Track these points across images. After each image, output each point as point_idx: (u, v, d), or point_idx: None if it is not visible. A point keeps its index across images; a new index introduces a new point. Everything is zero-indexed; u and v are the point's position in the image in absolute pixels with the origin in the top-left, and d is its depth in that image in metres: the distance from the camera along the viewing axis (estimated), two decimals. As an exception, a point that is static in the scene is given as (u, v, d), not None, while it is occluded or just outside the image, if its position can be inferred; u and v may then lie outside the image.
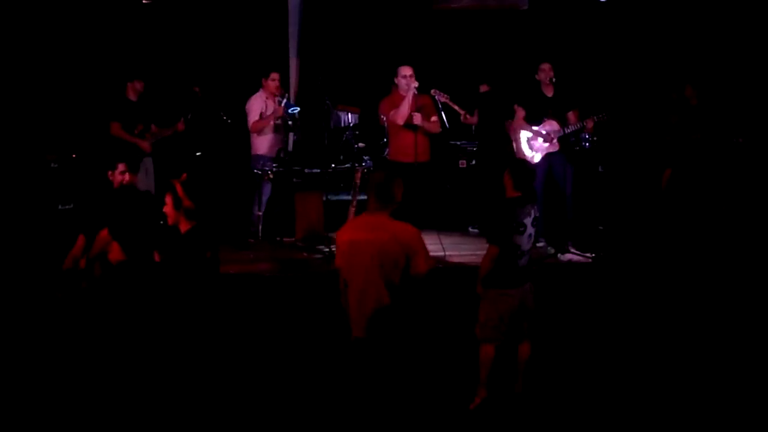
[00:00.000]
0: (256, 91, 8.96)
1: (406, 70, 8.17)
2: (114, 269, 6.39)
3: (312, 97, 10.11)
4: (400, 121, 8.10)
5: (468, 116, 9.55)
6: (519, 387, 5.78)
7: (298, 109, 8.97)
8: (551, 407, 5.66)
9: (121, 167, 6.88)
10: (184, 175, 5.88)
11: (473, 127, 9.81)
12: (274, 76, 8.83)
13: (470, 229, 9.52)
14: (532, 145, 8.56)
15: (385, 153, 8.83)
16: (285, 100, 8.79)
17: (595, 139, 8.82)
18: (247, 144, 9.00)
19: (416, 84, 8.06)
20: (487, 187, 9.42)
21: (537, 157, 8.48)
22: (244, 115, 8.89)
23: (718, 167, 8.91)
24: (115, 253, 6.45)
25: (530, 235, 5.75)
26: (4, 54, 9.24)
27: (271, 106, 8.79)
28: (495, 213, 5.78)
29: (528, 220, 5.70)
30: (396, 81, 8.32)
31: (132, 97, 8.65)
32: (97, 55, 9.74)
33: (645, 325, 6.86)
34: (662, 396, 5.81)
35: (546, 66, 8.51)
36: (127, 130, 8.55)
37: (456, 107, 9.44)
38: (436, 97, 8.50)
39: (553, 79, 8.47)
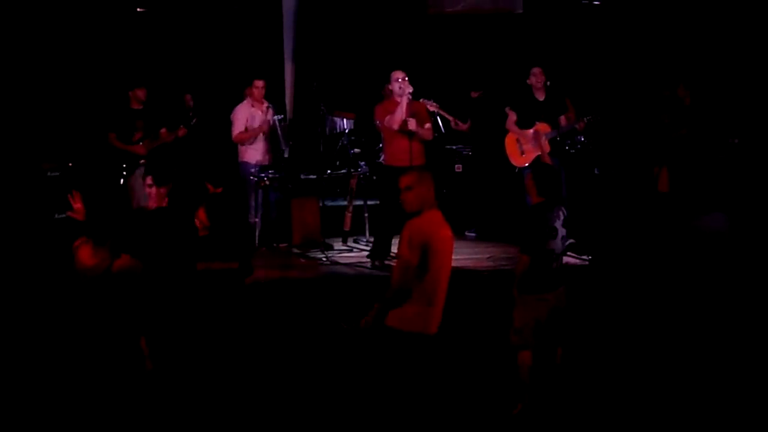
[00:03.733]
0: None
1: (399, 74, 8.18)
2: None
3: (307, 103, 10.13)
4: (395, 126, 8.11)
5: (459, 123, 9.59)
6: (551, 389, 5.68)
7: (281, 116, 9.02)
8: (559, 410, 5.65)
9: (148, 180, 6.16)
10: (220, 189, 5.90)
11: (469, 128, 9.81)
12: (257, 83, 8.85)
13: (467, 234, 9.51)
14: (524, 147, 8.60)
15: (381, 158, 8.84)
16: (271, 110, 8.87)
17: (584, 140, 8.85)
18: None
19: (411, 89, 8.06)
20: (482, 192, 9.45)
21: (528, 160, 8.54)
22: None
23: (710, 166, 8.91)
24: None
25: (563, 237, 5.70)
26: (2, 63, 9.25)
27: (257, 115, 8.81)
28: (524, 221, 5.70)
29: (558, 223, 5.64)
30: (389, 86, 8.34)
31: (134, 105, 8.63)
32: (95, 64, 9.76)
33: (642, 327, 6.86)
34: (661, 397, 5.81)
35: (537, 70, 8.58)
36: (124, 139, 8.53)
37: (446, 115, 9.48)
38: (427, 106, 8.56)
39: (548, 83, 8.54)
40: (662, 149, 9.18)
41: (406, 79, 8.12)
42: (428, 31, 10.90)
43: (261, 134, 8.83)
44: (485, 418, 5.51)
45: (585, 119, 8.39)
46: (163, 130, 8.66)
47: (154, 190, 6.02)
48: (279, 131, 8.86)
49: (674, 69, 9.72)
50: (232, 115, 8.88)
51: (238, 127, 8.83)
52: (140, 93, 8.57)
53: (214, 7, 10.48)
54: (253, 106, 8.87)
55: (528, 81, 8.61)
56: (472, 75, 10.14)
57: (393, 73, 8.26)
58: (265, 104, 8.94)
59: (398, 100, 8.12)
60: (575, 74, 9.82)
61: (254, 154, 8.84)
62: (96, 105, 9.28)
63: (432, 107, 8.77)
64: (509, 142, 8.69)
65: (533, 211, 5.70)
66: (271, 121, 8.86)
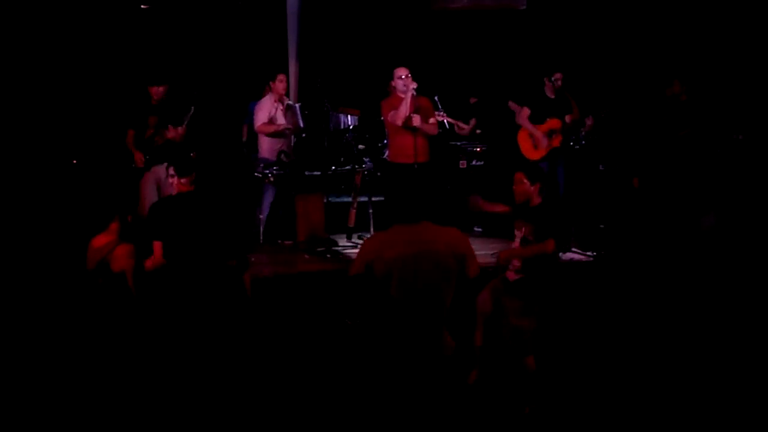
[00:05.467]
0: (256, 94, 8.98)
1: (402, 71, 8.18)
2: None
3: (312, 100, 10.13)
4: (399, 122, 8.11)
5: (462, 125, 9.64)
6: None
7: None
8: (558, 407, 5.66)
9: (170, 171, 6.17)
10: None
11: (470, 131, 9.82)
12: (281, 77, 8.84)
13: (475, 229, 9.52)
14: (537, 142, 8.68)
15: (385, 154, 8.84)
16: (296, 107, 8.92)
17: (592, 136, 8.87)
18: (247, 147, 9.01)
19: (415, 85, 8.06)
20: (495, 188, 9.44)
21: (541, 154, 8.62)
22: (242, 120, 8.90)
23: (712, 164, 8.89)
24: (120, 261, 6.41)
25: None
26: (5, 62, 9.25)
27: (279, 110, 8.81)
28: (559, 218, 5.72)
29: None
30: (393, 83, 8.34)
31: (153, 101, 8.52)
32: (95, 61, 9.74)
33: (647, 323, 6.85)
34: (664, 395, 5.80)
35: (559, 75, 8.69)
36: (139, 137, 8.37)
37: (452, 121, 9.53)
38: (435, 115, 8.63)
39: (559, 83, 8.65)
40: (663, 148, 9.17)
41: (410, 75, 8.12)
42: (432, 27, 10.89)
43: (283, 132, 8.84)
44: (495, 417, 5.50)
45: (593, 118, 8.47)
46: (157, 137, 8.51)
47: (175, 180, 6.02)
48: (298, 112, 8.93)
49: (675, 64, 9.70)
50: (255, 107, 8.86)
51: (261, 118, 8.76)
52: (155, 91, 8.41)
53: (217, 4, 10.48)
54: (275, 100, 8.85)
55: (545, 79, 8.69)
56: (473, 75, 10.16)
57: (396, 70, 8.26)
58: (286, 101, 8.95)
59: (402, 96, 8.12)
60: (579, 70, 9.81)
61: (269, 149, 8.83)
62: (97, 101, 9.25)
63: (440, 117, 8.85)
64: (522, 137, 8.77)
65: (559, 209, 5.73)
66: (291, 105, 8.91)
